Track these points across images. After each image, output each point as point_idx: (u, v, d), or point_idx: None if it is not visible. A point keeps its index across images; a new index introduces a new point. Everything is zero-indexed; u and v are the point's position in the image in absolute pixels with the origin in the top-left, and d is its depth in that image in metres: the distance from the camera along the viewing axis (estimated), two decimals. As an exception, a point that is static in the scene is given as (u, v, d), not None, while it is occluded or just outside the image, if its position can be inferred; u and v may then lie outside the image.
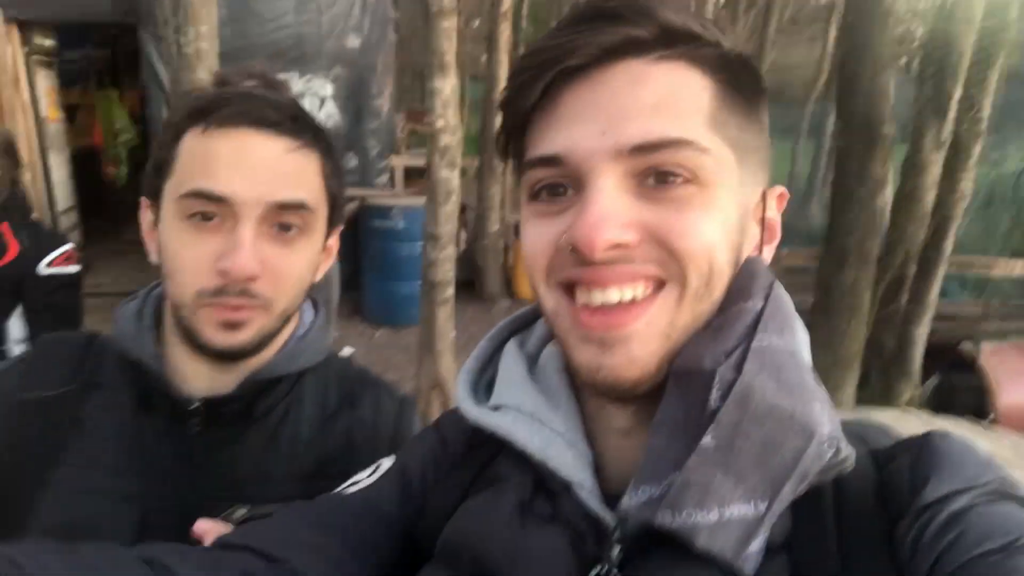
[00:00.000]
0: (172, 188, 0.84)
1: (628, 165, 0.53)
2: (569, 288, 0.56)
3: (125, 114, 9.00)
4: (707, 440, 0.49)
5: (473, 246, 7.26)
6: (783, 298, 0.56)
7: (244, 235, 0.80)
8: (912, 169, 4.70)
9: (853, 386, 4.39)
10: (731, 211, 0.55)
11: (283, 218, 0.84)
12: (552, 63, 0.54)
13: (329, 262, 0.98)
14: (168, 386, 0.87)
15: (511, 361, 0.67)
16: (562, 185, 0.56)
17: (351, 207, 6.41)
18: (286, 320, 0.90)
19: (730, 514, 0.49)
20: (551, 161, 0.55)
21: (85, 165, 7.83)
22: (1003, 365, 4.37)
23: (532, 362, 0.68)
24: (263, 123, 0.83)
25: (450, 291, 4.07)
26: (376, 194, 6.79)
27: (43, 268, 2.11)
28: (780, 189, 0.62)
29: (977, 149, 4.74)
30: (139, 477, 0.86)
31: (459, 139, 4.04)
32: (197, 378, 0.89)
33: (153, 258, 0.89)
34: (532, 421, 0.60)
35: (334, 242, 0.97)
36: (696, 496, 0.49)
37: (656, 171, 0.53)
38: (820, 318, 4.31)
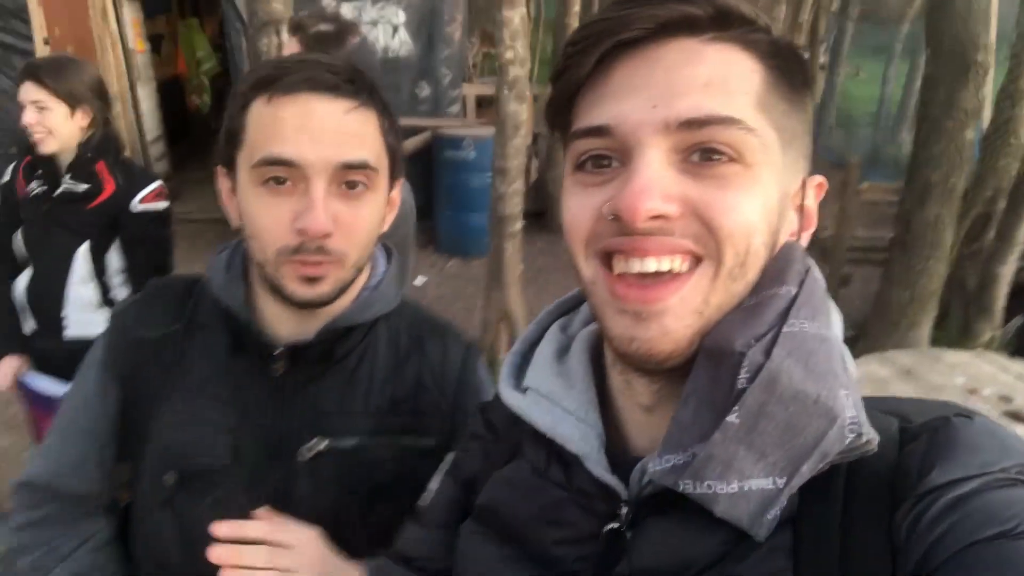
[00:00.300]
0: (245, 157, 0.90)
1: (675, 140, 0.54)
2: (607, 258, 0.57)
3: (206, 42, 9.20)
4: (732, 418, 0.51)
5: (545, 176, 7.23)
6: (818, 284, 0.57)
7: (316, 195, 0.87)
8: (1008, 99, 4.41)
9: (929, 325, 4.28)
10: (772, 194, 0.56)
11: (349, 177, 0.90)
12: (607, 35, 0.55)
13: (394, 213, 1.04)
14: (256, 332, 0.97)
15: (545, 344, 0.71)
16: (608, 156, 0.57)
17: (424, 137, 6.46)
18: (359, 271, 0.98)
19: (749, 487, 0.51)
20: (599, 131, 0.56)
21: (170, 95, 8.06)
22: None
23: (571, 343, 0.71)
24: (322, 87, 0.88)
25: (518, 225, 4.12)
26: (448, 124, 6.80)
27: (136, 205, 2.24)
28: (819, 179, 0.63)
29: (1084, 76, 4.40)
30: (235, 410, 0.98)
31: (527, 71, 4.01)
32: (281, 325, 0.99)
33: (235, 223, 0.96)
34: (547, 401, 0.65)
35: (396, 194, 1.03)
36: (718, 469, 0.52)
37: (702, 148, 0.54)
38: (899, 254, 4.19)
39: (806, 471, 0.51)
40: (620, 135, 0.55)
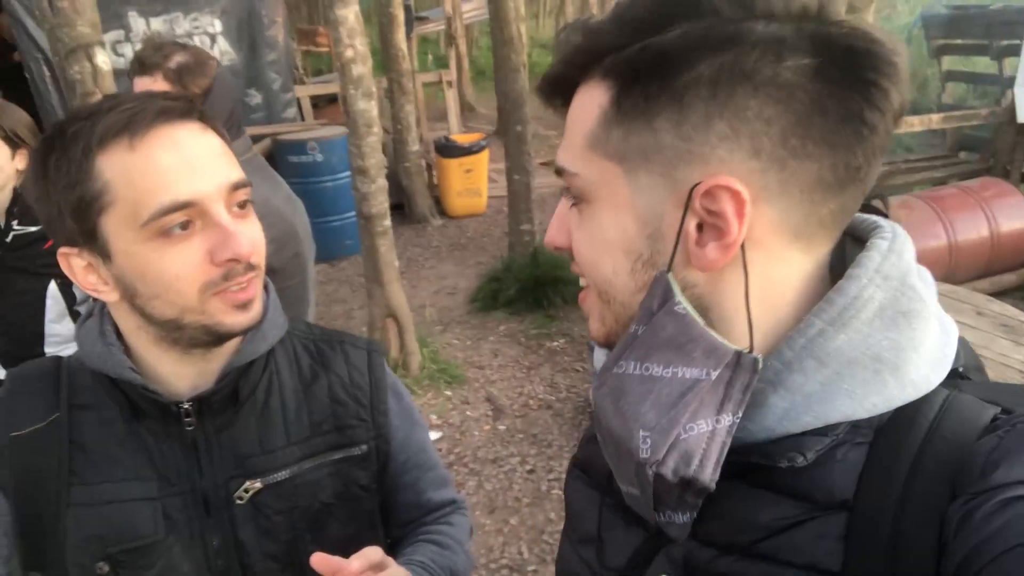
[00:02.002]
0: (123, 219, 0.81)
1: (562, 182, 0.61)
2: None
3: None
4: (599, 436, 0.61)
5: (395, 169, 7.18)
6: (672, 318, 0.54)
7: (226, 222, 0.84)
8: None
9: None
10: (621, 223, 0.57)
11: (237, 196, 0.87)
12: (542, 94, 0.63)
13: None
14: (154, 394, 0.91)
15: None
16: None
17: (263, 145, 6.23)
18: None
19: (628, 491, 0.59)
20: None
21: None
22: (911, 216, 4.61)
23: None
24: (174, 115, 0.84)
25: (387, 222, 4.09)
26: (287, 129, 6.60)
27: None
28: (722, 180, 0.51)
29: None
30: (153, 479, 0.93)
31: (370, 67, 3.97)
32: (180, 380, 0.94)
33: (109, 298, 0.88)
34: None
35: None
36: (612, 469, 0.61)
37: (568, 190, 0.61)
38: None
39: (644, 493, 0.56)
40: None
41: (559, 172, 0.60)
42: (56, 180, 0.82)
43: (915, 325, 0.54)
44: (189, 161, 0.83)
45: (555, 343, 4.75)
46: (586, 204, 0.58)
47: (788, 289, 0.56)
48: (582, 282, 0.63)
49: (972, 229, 4.71)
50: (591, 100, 0.56)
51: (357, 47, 3.84)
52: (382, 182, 4.03)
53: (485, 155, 7.22)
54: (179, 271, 0.83)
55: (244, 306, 0.89)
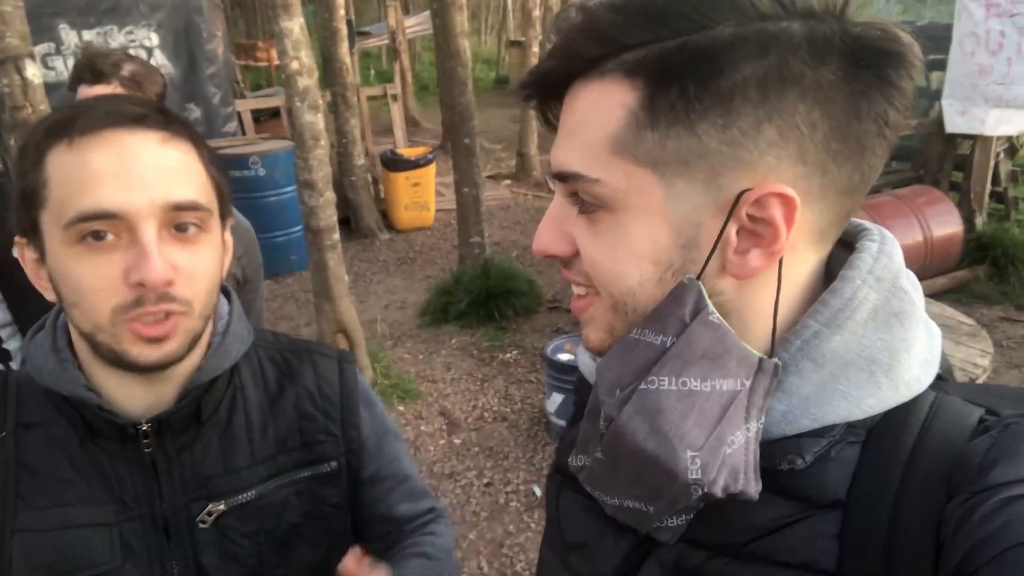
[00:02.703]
0: (52, 217, 0.78)
1: (565, 187, 0.57)
2: None
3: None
4: (598, 454, 0.56)
5: (341, 183, 7.10)
6: (707, 329, 0.52)
7: (147, 242, 0.77)
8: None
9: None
10: (652, 232, 0.53)
11: (180, 219, 0.80)
12: (527, 88, 0.59)
13: (229, 256, 0.94)
14: (111, 414, 0.85)
15: None
16: None
17: (204, 161, 6.10)
18: (207, 320, 0.88)
19: (627, 504, 0.56)
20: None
21: None
22: (849, 221, 4.78)
23: None
24: (129, 119, 0.79)
25: (336, 236, 4.03)
26: (228, 143, 6.47)
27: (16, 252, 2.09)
28: (775, 187, 0.50)
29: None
30: (110, 503, 0.87)
31: (316, 80, 3.92)
32: (134, 399, 0.88)
33: (50, 296, 0.84)
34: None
35: (229, 236, 0.93)
36: (601, 485, 0.58)
37: (577, 196, 0.56)
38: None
39: (663, 508, 0.54)
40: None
41: (563, 177, 0.56)
42: (17, 166, 0.81)
43: (907, 326, 0.54)
44: (126, 170, 0.77)
45: (508, 355, 4.74)
46: (607, 212, 0.54)
47: (798, 290, 0.55)
48: (578, 290, 0.60)
49: (907, 235, 4.88)
50: (609, 99, 0.52)
51: (303, 59, 3.79)
52: (330, 195, 3.97)
53: (432, 168, 7.21)
54: (94, 284, 0.78)
55: (155, 341, 0.81)
